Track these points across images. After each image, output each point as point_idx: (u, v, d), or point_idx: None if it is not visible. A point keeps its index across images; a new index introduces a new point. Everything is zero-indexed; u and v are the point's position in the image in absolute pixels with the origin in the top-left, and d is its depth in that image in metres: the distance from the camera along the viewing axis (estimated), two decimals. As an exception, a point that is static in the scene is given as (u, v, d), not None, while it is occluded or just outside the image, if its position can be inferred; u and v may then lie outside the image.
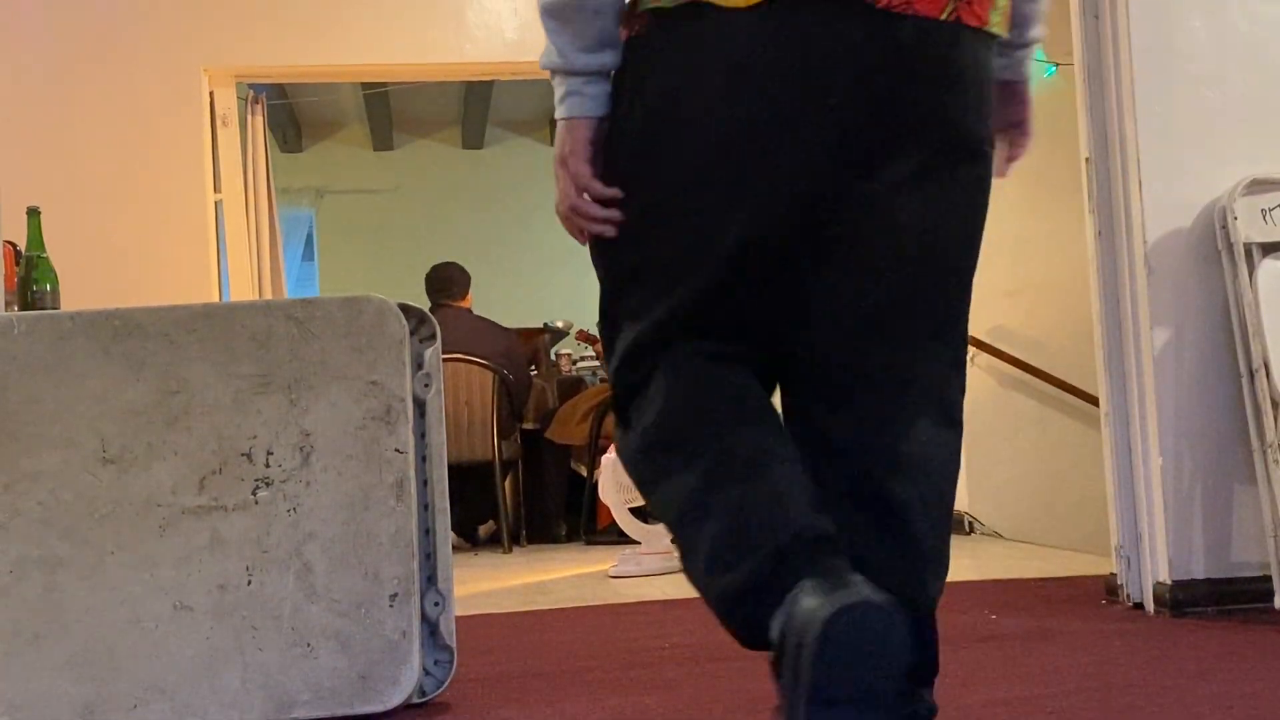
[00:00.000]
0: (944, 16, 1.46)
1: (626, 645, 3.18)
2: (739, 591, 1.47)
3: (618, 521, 4.97)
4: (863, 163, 1.50)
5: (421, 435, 2.46)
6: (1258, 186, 3.32)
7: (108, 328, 2.40)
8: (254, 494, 2.39)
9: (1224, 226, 3.30)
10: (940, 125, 1.53)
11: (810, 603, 1.35)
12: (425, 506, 2.47)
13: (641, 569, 4.80)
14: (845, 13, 1.43)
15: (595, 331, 8.64)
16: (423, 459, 2.46)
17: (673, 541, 1.65)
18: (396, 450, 2.41)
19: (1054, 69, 5.60)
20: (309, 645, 2.37)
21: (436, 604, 2.46)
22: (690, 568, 1.58)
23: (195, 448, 2.39)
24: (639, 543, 4.94)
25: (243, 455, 2.39)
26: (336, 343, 2.41)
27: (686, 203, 1.55)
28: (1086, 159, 3.51)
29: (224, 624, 2.37)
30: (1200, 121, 3.38)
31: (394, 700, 2.37)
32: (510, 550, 5.93)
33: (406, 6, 5.93)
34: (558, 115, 1.65)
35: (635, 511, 4.97)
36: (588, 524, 6.23)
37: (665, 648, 3.12)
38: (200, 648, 2.36)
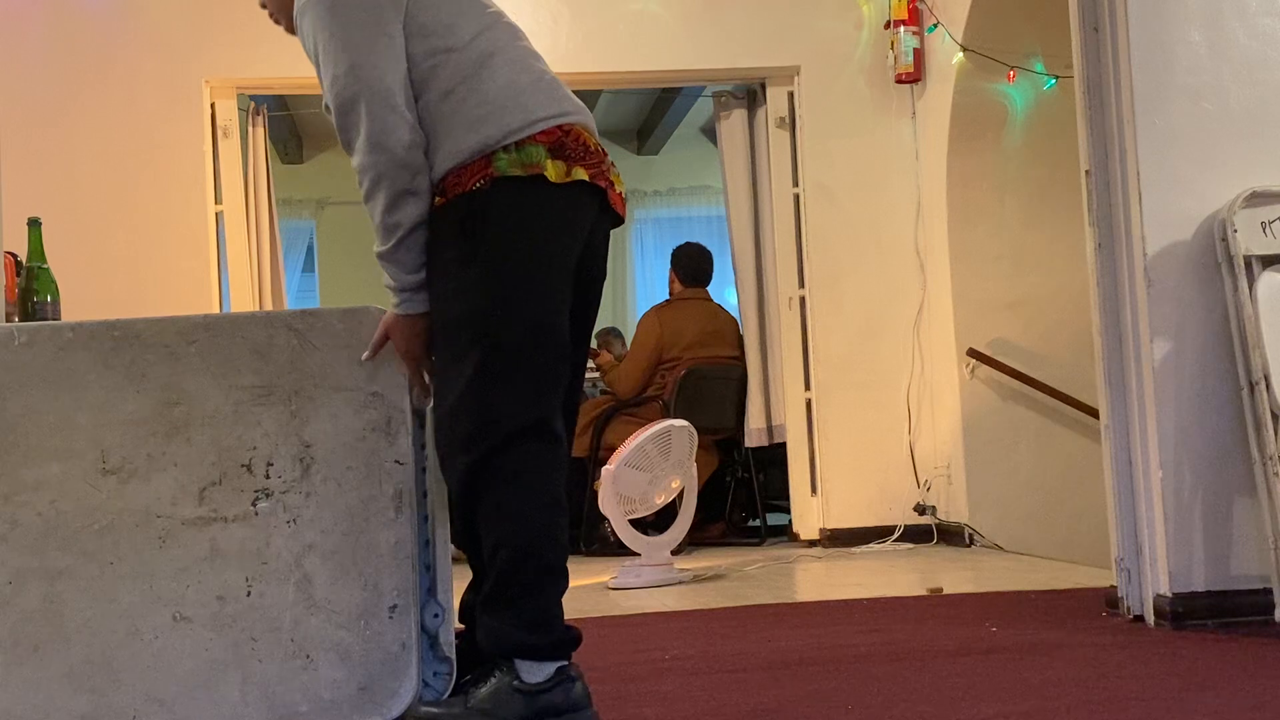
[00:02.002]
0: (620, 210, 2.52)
1: (626, 657, 3.17)
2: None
3: (617, 533, 4.97)
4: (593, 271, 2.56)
5: (421, 446, 2.46)
6: (1257, 199, 3.32)
7: (108, 339, 2.40)
8: (254, 505, 2.39)
9: (1224, 239, 3.31)
10: (603, 257, 2.57)
11: None
12: (425, 518, 2.47)
13: (641, 581, 4.79)
14: (594, 198, 2.44)
15: (595, 343, 8.66)
16: (422, 470, 2.46)
17: None
18: (397, 462, 2.41)
19: (1054, 82, 5.61)
20: (309, 657, 2.37)
21: (436, 615, 2.45)
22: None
23: (195, 459, 2.39)
24: (639, 554, 4.94)
25: (243, 466, 2.39)
26: (337, 354, 2.41)
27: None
28: (1086, 172, 3.51)
29: (223, 635, 2.36)
30: (1200, 134, 3.39)
31: (394, 712, 2.36)
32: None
33: (408, 18, 5.94)
34: (397, 312, 2.38)
35: (635, 523, 4.97)
36: (587, 535, 6.22)
37: (664, 660, 3.12)
38: (199, 659, 2.36)
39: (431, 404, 2.43)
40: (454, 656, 2.47)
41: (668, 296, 6.74)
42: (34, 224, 3.19)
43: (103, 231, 5.66)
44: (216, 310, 5.74)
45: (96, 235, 5.63)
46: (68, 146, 5.71)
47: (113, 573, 2.36)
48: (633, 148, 10.73)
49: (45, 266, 3.18)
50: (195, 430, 2.39)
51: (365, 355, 2.39)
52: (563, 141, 2.38)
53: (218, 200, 5.92)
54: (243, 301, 5.82)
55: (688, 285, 6.63)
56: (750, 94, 6.59)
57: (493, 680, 2.31)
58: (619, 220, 2.51)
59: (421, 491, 2.46)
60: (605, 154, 2.47)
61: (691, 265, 6.68)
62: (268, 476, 2.39)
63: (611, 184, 2.45)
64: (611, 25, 6.12)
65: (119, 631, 2.35)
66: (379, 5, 2.33)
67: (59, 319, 3.16)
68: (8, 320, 3.10)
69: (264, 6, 2.57)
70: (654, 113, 9.87)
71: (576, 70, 6.21)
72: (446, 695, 2.46)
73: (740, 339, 6.58)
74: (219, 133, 5.92)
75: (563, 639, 2.34)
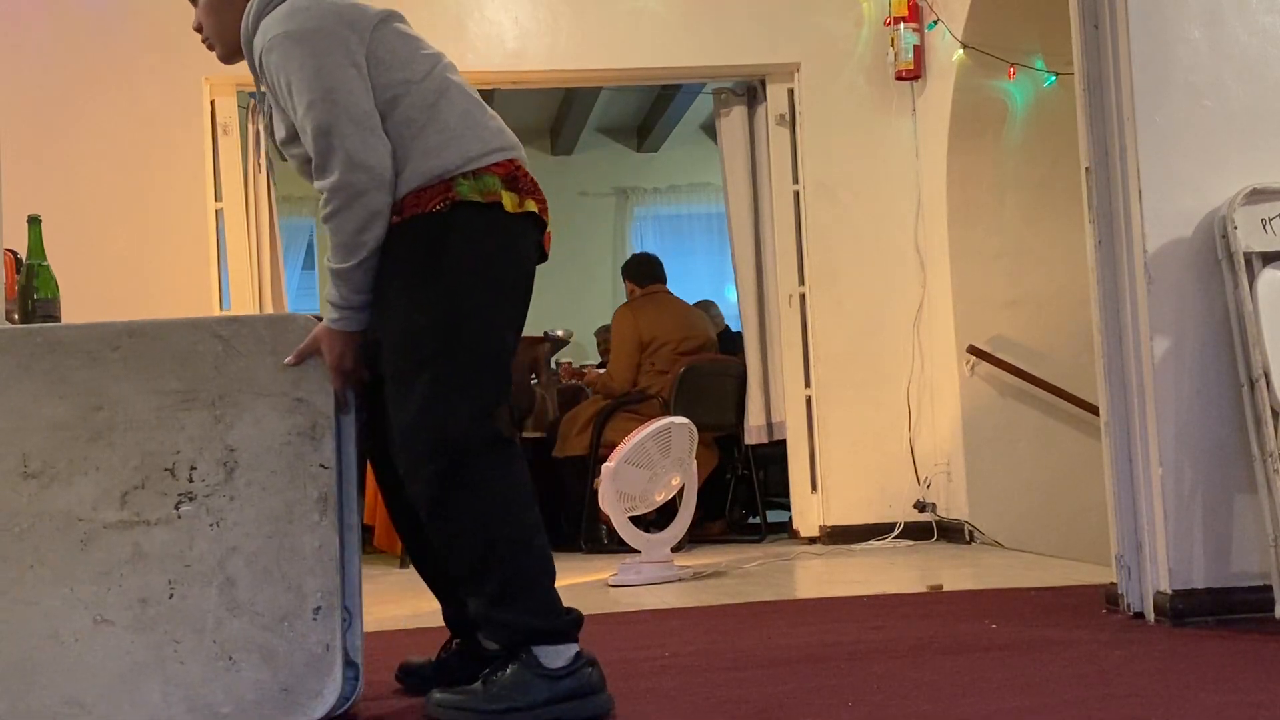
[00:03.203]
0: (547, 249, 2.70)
1: (626, 654, 3.17)
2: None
3: (617, 530, 4.97)
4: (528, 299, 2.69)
5: (344, 452, 2.48)
6: (1258, 196, 3.32)
7: (28, 344, 2.43)
8: (177, 509, 2.41)
9: (1224, 236, 3.31)
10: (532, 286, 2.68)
11: None
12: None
13: (641, 578, 4.79)
14: (538, 232, 2.62)
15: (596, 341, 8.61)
16: (339, 475, 2.47)
17: None
18: (321, 466, 2.43)
19: (1054, 79, 5.61)
20: (231, 658, 2.38)
21: (344, 620, 2.45)
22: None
23: (118, 463, 2.41)
24: (639, 552, 4.94)
25: (166, 470, 2.41)
26: (262, 360, 2.44)
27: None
28: (1087, 169, 3.51)
29: (145, 637, 2.38)
30: (1200, 132, 3.38)
31: (317, 713, 2.37)
32: (510, 559, 5.91)
33: (408, 17, 5.92)
34: (333, 327, 2.46)
35: (635, 520, 4.97)
36: (587, 533, 6.23)
37: (664, 657, 3.12)
38: (121, 661, 2.37)
39: (357, 414, 2.52)
40: (360, 661, 2.50)
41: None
42: (34, 221, 3.19)
43: (103, 229, 5.66)
44: (216, 307, 5.75)
45: (96, 232, 5.63)
46: (68, 144, 5.70)
47: (33, 576, 2.38)
48: (633, 145, 10.73)
49: (45, 264, 3.18)
50: (118, 435, 2.41)
51: (288, 360, 2.44)
52: (514, 175, 2.54)
53: (218, 197, 5.92)
54: (243, 299, 5.81)
55: (645, 285, 6.70)
56: (750, 91, 6.59)
57: (514, 668, 2.39)
58: (545, 257, 2.68)
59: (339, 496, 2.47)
60: None
61: (642, 269, 6.83)
62: (191, 480, 2.41)
63: (547, 222, 2.64)
64: (612, 22, 6.12)
65: (38, 635, 2.37)
66: (344, 38, 2.45)
67: (59, 316, 3.17)
68: (8, 318, 3.10)
69: (199, 30, 2.65)
70: (654, 110, 9.87)
71: (576, 67, 6.22)
72: (354, 699, 2.47)
73: (711, 322, 6.70)
74: (219, 130, 5.91)
75: (572, 620, 2.45)
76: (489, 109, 2.63)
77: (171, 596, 2.39)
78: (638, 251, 7.16)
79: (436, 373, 2.42)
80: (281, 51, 2.43)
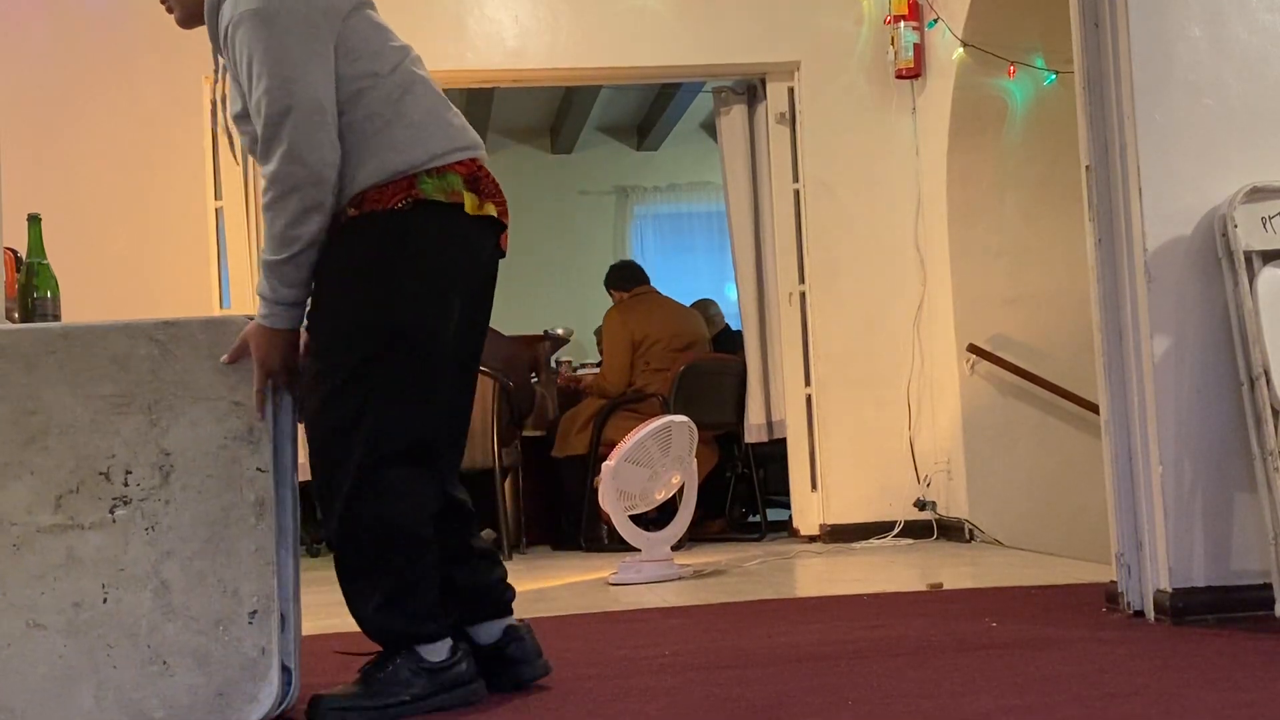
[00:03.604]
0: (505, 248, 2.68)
1: (626, 653, 3.18)
2: None
3: (618, 528, 4.97)
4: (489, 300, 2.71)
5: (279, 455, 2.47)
6: (1258, 194, 3.32)
7: None
8: (111, 512, 2.40)
9: (1224, 234, 3.31)
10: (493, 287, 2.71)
11: None
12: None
13: (641, 576, 4.79)
14: (496, 235, 2.61)
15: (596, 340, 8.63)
16: (275, 479, 2.46)
17: None
18: (259, 469, 2.43)
19: (1054, 77, 5.61)
20: (165, 663, 2.38)
21: (280, 624, 2.44)
22: None
23: (52, 467, 2.39)
24: (639, 550, 4.94)
25: (101, 474, 2.40)
26: (199, 363, 2.43)
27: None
28: (1087, 167, 3.51)
29: (78, 642, 2.37)
30: (1200, 130, 3.38)
31: (252, 717, 2.37)
32: (510, 558, 5.92)
33: (407, 15, 5.91)
34: (262, 323, 2.40)
35: (635, 519, 4.97)
36: (587, 532, 6.23)
37: (665, 655, 3.12)
38: (53, 666, 2.36)
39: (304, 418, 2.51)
40: (295, 665, 2.49)
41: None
42: (34, 220, 3.19)
43: (103, 227, 5.66)
44: (216, 306, 5.75)
45: (97, 231, 5.62)
46: (68, 142, 5.70)
47: None
48: (633, 143, 10.72)
49: (45, 262, 3.18)
50: (53, 439, 2.40)
51: (224, 359, 2.42)
52: (476, 175, 2.52)
53: (217, 196, 5.92)
54: (243, 297, 5.81)
55: (630, 288, 6.71)
56: (750, 89, 6.59)
57: (396, 662, 2.46)
58: (502, 254, 2.67)
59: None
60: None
61: (624, 274, 6.88)
62: (126, 484, 2.41)
63: (506, 224, 2.63)
64: (612, 20, 6.12)
65: None
66: (315, 24, 2.40)
67: (59, 315, 3.16)
68: (8, 316, 3.09)
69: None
70: (654, 108, 9.87)
71: (576, 65, 6.22)
72: (288, 701, 2.47)
73: (709, 320, 6.72)
74: (219, 129, 5.91)
75: (449, 620, 2.54)
76: (453, 106, 2.60)
77: (105, 601, 2.38)
78: (616, 261, 7.19)
79: (375, 374, 2.41)
80: (249, 29, 2.37)
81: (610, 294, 6.89)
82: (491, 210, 2.54)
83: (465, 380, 2.71)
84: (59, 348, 2.42)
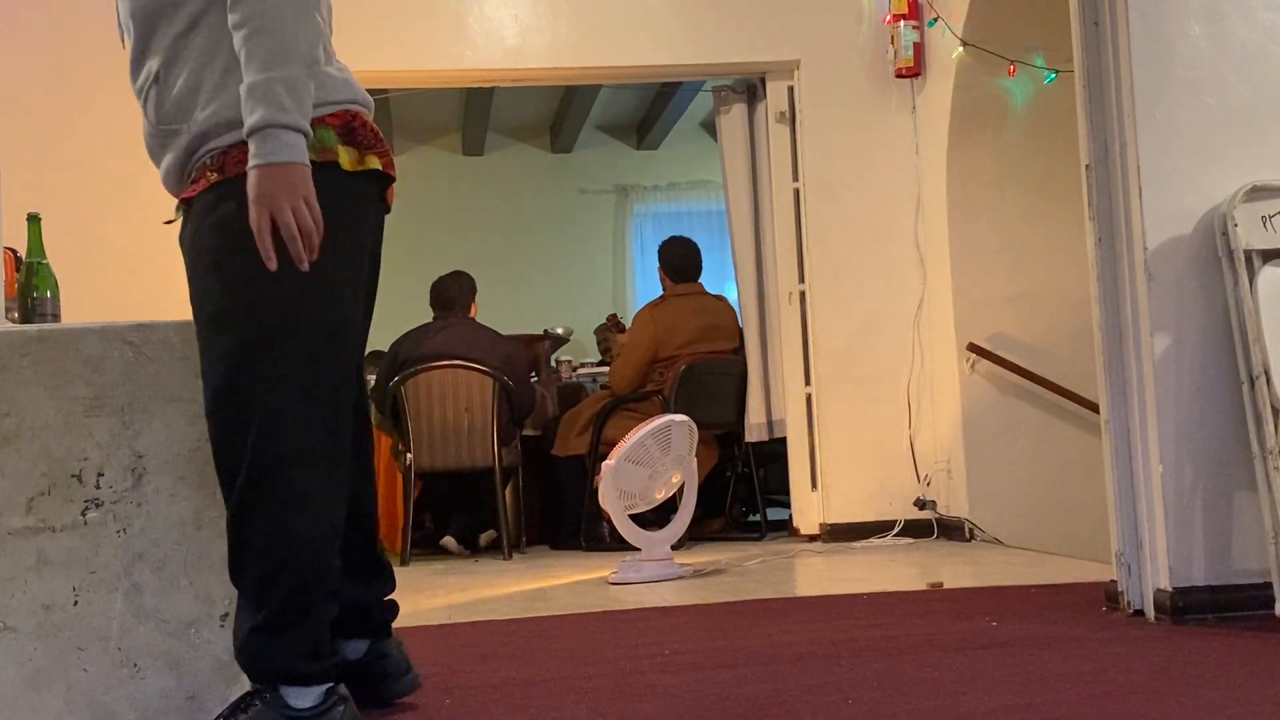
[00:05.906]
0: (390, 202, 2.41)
1: (626, 652, 3.18)
2: None
3: (618, 528, 4.97)
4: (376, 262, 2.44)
5: None
6: (1258, 193, 3.32)
7: None
8: (83, 515, 2.39)
9: (1224, 233, 3.31)
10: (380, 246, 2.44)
11: None
12: None
13: (641, 576, 4.79)
14: (380, 188, 2.33)
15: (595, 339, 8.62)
16: None
17: None
18: None
19: (1054, 76, 5.61)
20: (136, 666, 2.38)
21: None
22: None
23: (24, 469, 2.39)
24: (639, 549, 4.94)
25: (73, 476, 2.40)
26: (172, 366, 2.43)
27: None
28: (1087, 166, 3.51)
29: (48, 644, 2.36)
30: (1200, 129, 3.38)
31: None
32: (510, 557, 5.92)
33: (407, 13, 5.94)
34: (287, 159, 2.07)
35: (635, 518, 4.97)
36: (587, 532, 6.23)
37: (664, 654, 3.12)
38: (23, 668, 2.35)
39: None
40: None
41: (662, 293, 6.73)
42: (33, 219, 3.19)
43: (103, 227, 5.65)
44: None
45: (96, 231, 5.62)
46: (67, 141, 5.70)
47: None
48: (632, 142, 10.72)
49: (45, 262, 3.17)
50: (25, 441, 2.39)
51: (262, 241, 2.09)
52: (352, 126, 2.25)
53: (217, 195, 5.91)
54: (243, 297, 5.81)
55: (678, 282, 6.60)
56: (750, 88, 6.58)
57: (256, 708, 2.17)
58: (388, 208, 2.39)
59: None
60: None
61: (677, 262, 6.62)
62: (98, 486, 2.40)
63: (393, 178, 2.35)
64: (611, 19, 6.12)
65: None
66: None
67: (59, 315, 3.16)
68: (8, 316, 3.09)
69: None
70: (654, 107, 9.87)
71: (576, 64, 6.22)
72: None
73: (740, 331, 6.57)
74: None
75: (333, 663, 2.23)
76: (335, 57, 2.32)
77: (76, 603, 2.37)
78: (675, 236, 6.77)
79: (261, 365, 2.14)
80: None
81: (659, 270, 6.74)
82: (374, 163, 2.25)
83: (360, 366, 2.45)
84: (33, 350, 2.41)
